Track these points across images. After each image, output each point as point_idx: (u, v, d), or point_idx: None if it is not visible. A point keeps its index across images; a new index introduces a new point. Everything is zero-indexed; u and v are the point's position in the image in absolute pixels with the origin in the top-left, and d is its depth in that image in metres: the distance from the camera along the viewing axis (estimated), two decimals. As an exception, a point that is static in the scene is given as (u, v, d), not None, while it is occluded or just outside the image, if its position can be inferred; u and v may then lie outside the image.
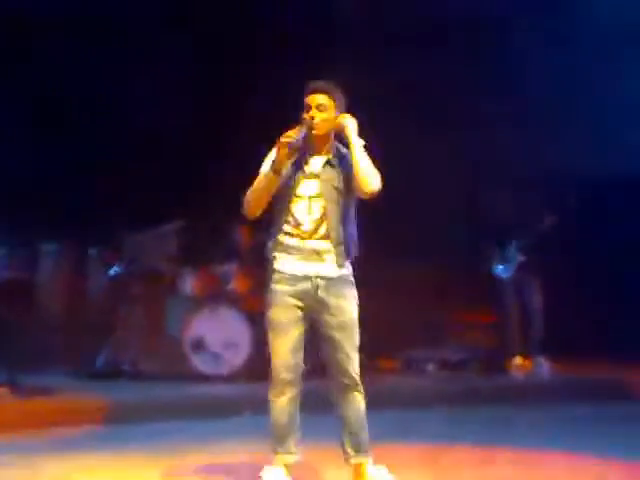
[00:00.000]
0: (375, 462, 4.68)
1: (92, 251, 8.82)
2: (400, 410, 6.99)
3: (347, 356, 4.56)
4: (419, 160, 8.63)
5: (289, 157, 4.44)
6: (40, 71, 8.94)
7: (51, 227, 8.78)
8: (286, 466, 4.61)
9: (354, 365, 4.58)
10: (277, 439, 4.59)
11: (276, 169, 4.43)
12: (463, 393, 7.68)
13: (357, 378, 4.60)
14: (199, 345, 7.94)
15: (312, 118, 4.48)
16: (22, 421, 6.43)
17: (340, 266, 4.52)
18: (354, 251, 4.60)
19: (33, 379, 7.32)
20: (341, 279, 4.54)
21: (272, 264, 4.56)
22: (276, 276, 4.54)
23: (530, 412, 7.06)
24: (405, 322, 8.95)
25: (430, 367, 8.58)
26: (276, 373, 4.56)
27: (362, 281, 8.66)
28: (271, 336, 4.56)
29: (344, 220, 4.53)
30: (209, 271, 8.34)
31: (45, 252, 8.98)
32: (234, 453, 5.59)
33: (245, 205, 4.54)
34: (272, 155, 4.50)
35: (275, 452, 4.60)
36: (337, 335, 4.54)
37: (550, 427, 6.53)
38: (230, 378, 7.82)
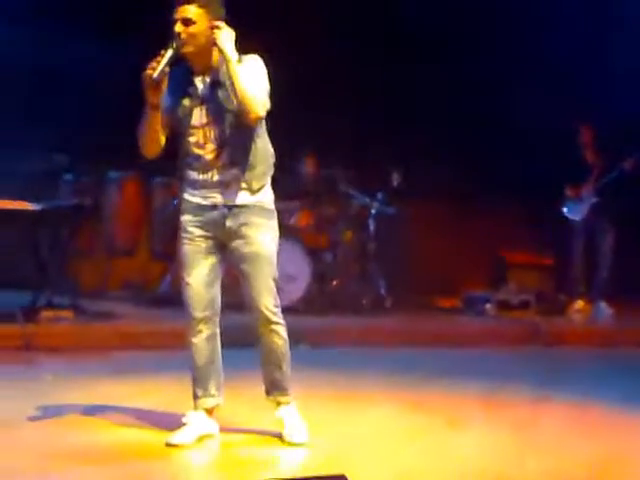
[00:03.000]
0: (434, 399, 4.54)
1: (158, 180, 8.81)
2: (459, 349, 6.94)
3: (257, 290, 4.13)
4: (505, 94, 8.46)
5: (159, 89, 3.94)
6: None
7: (118, 155, 8.78)
8: (207, 410, 4.27)
9: (267, 300, 4.14)
10: (197, 381, 4.24)
11: (151, 104, 3.96)
12: (521, 334, 7.58)
13: (268, 314, 4.15)
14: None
15: (178, 34, 3.97)
16: (84, 344, 6.51)
17: (251, 192, 4.11)
18: (264, 178, 4.17)
19: (96, 304, 7.39)
20: (252, 207, 4.13)
21: (180, 195, 4.22)
22: (183, 206, 4.18)
23: (588, 356, 6.94)
24: (466, 263, 8.85)
25: (490, 307, 8.47)
26: (190, 310, 4.17)
27: (426, 219, 8.70)
28: (181, 271, 4.18)
29: (246, 143, 4.09)
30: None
31: (111, 179, 8.99)
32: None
33: (140, 146, 4.11)
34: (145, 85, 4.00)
35: (196, 396, 4.25)
36: (246, 267, 4.14)
37: (607, 372, 6.38)
38: (288, 310, 7.78)
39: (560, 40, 8.71)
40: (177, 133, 4.17)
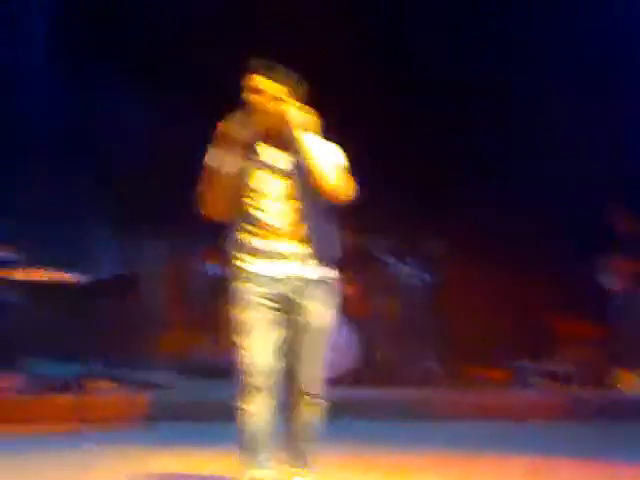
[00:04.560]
0: (481, 474, 4.48)
1: (195, 249, 8.90)
2: (507, 422, 6.89)
3: (311, 363, 4.12)
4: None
5: (242, 150, 4.00)
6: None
7: (158, 225, 8.91)
8: None
9: (312, 375, 4.13)
10: (248, 452, 4.08)
11: (231, 166, 4.01)
12: (569, 407, 7.49)
13: (314, 391, 4.14)
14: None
15: (249, 102, 4.04)
16: (130, 414, 6.53)
17: (313, 268, 4.10)
18: (333, 253, 4.17)
19: (140, 374, 7.43)
20: (316, 282, 4.10)
21: (235, 263, 4.12)
22: (243, 275, 4.09)
23: (636, 429, 6.84)
24: (515, 333, 8.80)
25: (537, 379, 8.40)
26: (247, 378, 4.04)
27: (471, 287, 8.68)
28: (237, 339, 4.07)
29: (312, 219, 4.08)
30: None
31: (151, 249, 9.11)
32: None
33: (204, 208, 4.08)
34: (217, 150, 4.03)
35: (245, 466, 4.09)
36: (305, 339, 4.10)
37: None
38: (335, 382, 7.76)
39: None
40: (237, 198, 4.13)
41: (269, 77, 4.09)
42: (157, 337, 8.63)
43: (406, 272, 8.42)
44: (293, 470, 4.26)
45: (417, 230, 8.63)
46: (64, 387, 6.79)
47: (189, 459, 5.34)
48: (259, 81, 4.08)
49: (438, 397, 7.67)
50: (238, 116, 4.04)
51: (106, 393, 6.90)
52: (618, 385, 8.22)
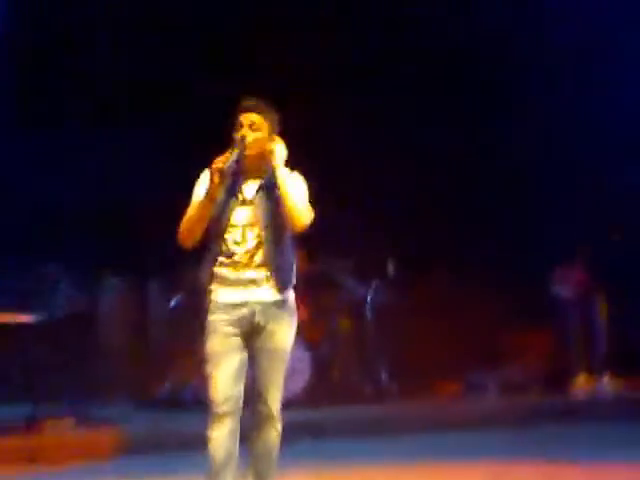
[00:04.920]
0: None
1: (153, 283, 8.88)
2: (463, 432, 6.92)
3: (270, 385, 4.25)
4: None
5: (222, 183, 4.20)
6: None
7: (113, 260, 8.87)
8: None
9: (275, 396, 4.26)
10: (214, 475, 4.19)
11: (210, 197, 4.19)
12: (525, 413, 7.57)
13: (274, 411, 4.26)
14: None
15: (244, 137, 4.27)
16: (86, 451, 6.47)
17: (280, 290, 4.28)
18: (292, 278, 4.36)
19: (97, 410, 7.37)
20: (279, 304, 4.28)
21: (208, 296, 4.31)
22: (212, 306, 4.28)
23: (594, 431, 6.92)
24: (466, 346, 8.87)
25: (491, 389, 8.47)
26: (214, 405, 4.18)
27: (422, 303, 8.76)
28: (209, 368, 4.22)
29: (281, 246, 4.31)
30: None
31: (107, 285, 9.06)
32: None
33: (180, 235, 4.29)
34: (203, 180, 4.28)
35: None
36: (265, 362, 4.25)
37: (614, 446, 6.36)
38: (289, 404, 7.77)
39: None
40: (209, 231, 4.31)
41: (262, 114, 4.33)
42: (114, 372, 8.56)
43: (361, 292, 8.46)
44: None
45: (370, 251, 8.69)
46: (18, 428, 6.70)
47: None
48: (255, 118, 4.31)
49: (394, 412, 7.71)
50: (231, 152, 4.21)
51: (62, 431, 6.81)
52: (571, 389, 8.31)
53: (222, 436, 4.19)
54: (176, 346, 8.34)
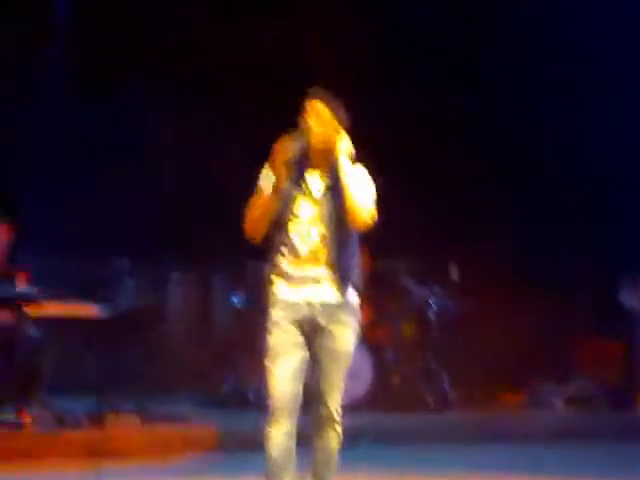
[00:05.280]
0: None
1: (217, 278, 8.89)
2: (527, 444, 6.79)
3: (330, 386, 4.17)
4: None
5: (288, 174, 4.11)
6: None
7: (176, 256, 8.91)
8: None
9: (335, 398, 4.18)
10: (272, 474, 4.15)
11: (276, 189, 4.11)
12: (590, 429, 7.40)
13: (335, 413, 4.18)
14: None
15: (310, 127, 4.16)
16: (149, 447, 6.49)
17: (340, 292, 4.18)
18: (356, 279, 4.26)
19: (161, 406, 7.39)
20: (342, 305, 4.18)
21: (269, 288, 4.23)
22: (274, 300, 4.21)
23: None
24: (531, 354, 8.72)
25: (557, 402, 8.31)
26: (273, 402, 4.10)
27: (488, 311, 8.62)
28: (268, 363, 4.15)
29: (344, 245, 4.19)
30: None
31: (171, 280, 9.11)
32: None
33: (246, 228, 4.20)
34: (267, 171, 4.17)
35: None
36: (327, 363, 4.16)
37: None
38: (351, 408, 7.72)
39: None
40: (274, 225, 4.22)
41: (329, 105, 4.23)
42: (179, 369, 8.59)
43: (425, 297, 8.36)
44: None
45: (436, 256, 8.59)
46: (83, 422, 6.76)
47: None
48: (321, 108, 4.21)
49: (455, 421, 7.60)
50: (293, 138, 4.14)
51: (126, 426, 6.84)
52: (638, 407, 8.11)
53: (279, 434, 4.13)
54: (240, 342, 8.34)
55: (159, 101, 8.98)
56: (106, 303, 7.15)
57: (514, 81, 9.35)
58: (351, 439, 6.65)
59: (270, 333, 4.20)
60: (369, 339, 7.97)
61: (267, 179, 4.17)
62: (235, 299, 8.32)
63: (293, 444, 4.18)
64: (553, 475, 5.67)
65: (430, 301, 8.34)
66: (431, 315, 8.33)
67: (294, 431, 4.17)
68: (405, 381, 8.15)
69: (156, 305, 8.64)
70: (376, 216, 4.22)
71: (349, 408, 7.51)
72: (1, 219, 7.18)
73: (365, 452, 6.53)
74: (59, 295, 7.06)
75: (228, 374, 8.17)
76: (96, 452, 6.22)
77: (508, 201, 9.10)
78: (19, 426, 6.36)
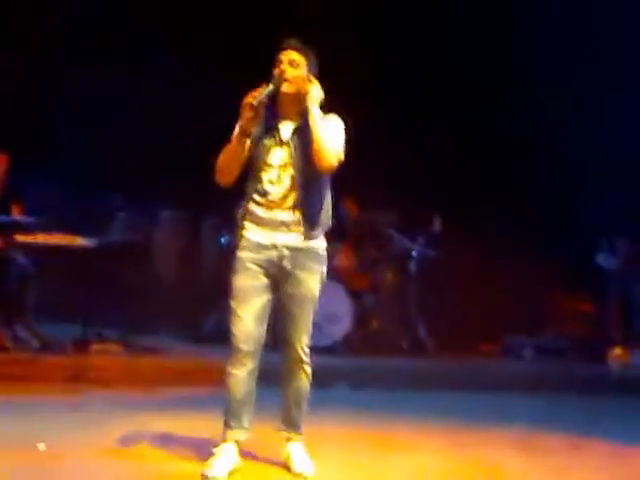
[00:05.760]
0: (471, 444, 4.44)
1: (207, 219, 8.85)
2: (497, 393, 6.83)
3: (296, 329, 4.22)
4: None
5: (255, 117, 4.08)
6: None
7: (169, 194, 8.85)
8: (237, 442, 4.25)
9: (302, 340, 4.23)
10: (232, 413, 4.22)
11: (243, 131, 4.09)
12: (559, 380, 7.44)
13: (303, 355, 4.24)
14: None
15: (282, 72, 4.15)
16: (131, 378, 6.51)
17: (308, 237, 4.20)
18: (325, 222, 4.29)
19: (144, 339, 7.40)
20: (308, 251, 4.21)
21: (240, 232, 4.25)
22: (243, 243, 4.21)
23: (626, 403, 6.78)
24: (506, 308, 8.74)
25: (528, 353, 8.35)
26: (237, 343, 4.15)
27: (467, 264, 8.62)
28: (233, 304, 4.17)
29: (314, 190, 4.21)
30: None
31: (162, 218, 9.06)
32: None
33: (217, 172, 4.20)
34: (242, 110, 4.15)
35: (228, 427, 4.23)
36: (293, 308, 4.21)
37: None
38: (329, 350, 7.76)
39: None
40: (248, 169, 4.24)
41: (302, 54, 4.24)
42: (164, 304, 8.57)
43: (407, 246, 8.35)
44: (286, 435, 4.39)
45: (420, 207, 8.56)
46: (65, 348, 6.76)
47: (186, 421, 5.30)
48: (295, 56, 4.22)
49: (429, 367, 7.64)
50: (264, 87, 4.13)
51: (109, 355, 6.85)
52: (610, 360, 8.15)
53: (242, 375, 4.20)
54: (225, 282, 8.30)
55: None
56: (96, 235, 7.12)
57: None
58: (329, 381, 6.77)
59: (237, 275, 4.21)
60: (350, 285, 8.00)
61: (239, 122, 4.17)
62: (224, 240, 8.29)
63: (254, 383, 4.26)
64: (520, 426, 5.68)
65: (412, 251, 8.33)
66: (412, 264, 8.33)
67: (256, 371, 4.24)
68: (383, 326, 8.17)
69: (145, 240, 8.57)
70: (342, 159, 4.21)
71: (328, 350, 7.71)
72: (-1, 149, 7.18)
73: (341, 394, 6.58)
74: (51, 226, 7.03)
75: (211, 312, 8.16)
76: (78, 378, 6.24)
77: (491, 161, 9.05)
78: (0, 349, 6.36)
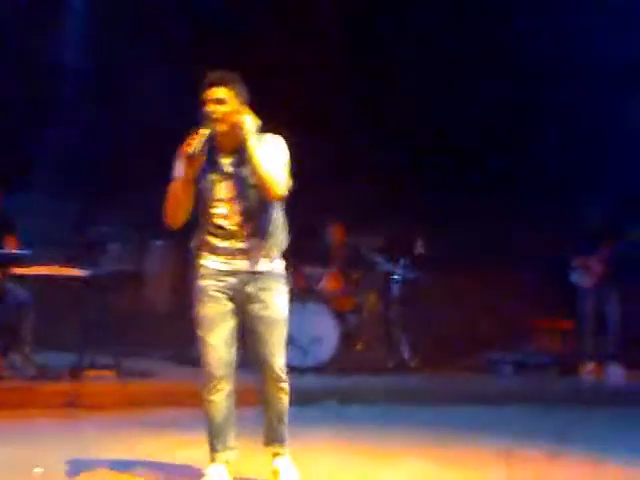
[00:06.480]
0: (457, 455, 4.40)
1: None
2: (480, 407, 6.84)
3: (270, 351, 4.16)
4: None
5: (195, 164, 4.00)
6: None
7: (158, 225, 8.84)
8: (227, 462, 4.25)
9: (277, 361, 4.19)
10: (216, 437, 4.21)
11: (187, 180, 4.02)
12: (537, 393, 7.44)
13: (281, 374, 4.21)
14: (288, 339, 7.83)
15: (211, 113, 4.03)
16: (126, 401, 6.48)
17: (269, 260, 4.16)
18: (282, 243, 4.24)
19: (137, 364, 7.37)
20: (270, 274, 4.17)
21: (198, 261, 4.18)
22: (203, 272, 4.15)
23: (600, 415, 6.78)
24: (487, 325, 8.74)
25: (508, 368, 8.36)
26: (210, 370, 4.14)
27: (448, 283, 8.63)
28: (201, 333, 4.14)
29: (267, 216, 4.14)
30: (299, 270, 8.24)
31: (153, 247, 9.06)
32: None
33: (166, 216, 4.10)
34: (181, 160, 4.09)
35: (215, 450, 4.23)
36: (262, 329, 4.15)
37: (620, 430, 6.22)
38: (316, 370, 7.74)
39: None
40: (196, 202, 4.17)
41: (228, 87, 4.11)
42: (156, 330, 8.54)
43: (389, 270, 8.37)
44: (273, 451, 4.38)
45: (404, 232, 8.58)
46: (61, 375, 6.74)
47: (179, 441, 5.28)
48: (220, 93, 4.10)
49: (414, 384, 7.62)
50: (198, 134, 4.02)
51: (103, 380, 6.81)
52: (584, 374, 8.15)
53: (220, 400, 4.19)
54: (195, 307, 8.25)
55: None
56: (90, 266, 7.11)
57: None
58: (318, 398, 6.75)
59: (201, 304, 4.17)
60: (335, 307, 8.01)
61: (180, 169, 4.10)
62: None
63: (233, 405, 4.25)
64: (502, 436, 5.68)
65: (394, 274, 8.36)
66: (394, 287, 8.36)
67: (232, 392, 4.23)
68: (367, 346, 8.18)
69: (137, 269, 8.56)
70: (289, 185, 4.13)
71: (316, 370, 7.68)
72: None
73: (329, 410, 6.58)
74: (45, 257, 7.02)
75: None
76: (73, 403, 6.21)
77: (470, 182, 9.08)
78: (-1, 377, 6.34)
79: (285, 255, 4.31)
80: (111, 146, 8.66)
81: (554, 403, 7.10)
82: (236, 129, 4.09)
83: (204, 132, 4.00)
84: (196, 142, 3.97)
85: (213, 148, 4.15)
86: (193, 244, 4.24)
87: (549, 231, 8.70)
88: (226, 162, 4.17)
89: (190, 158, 3.98)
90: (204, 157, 4.07)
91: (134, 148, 8.57)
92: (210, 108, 4.07)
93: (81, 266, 7.05)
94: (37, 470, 4.50)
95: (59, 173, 8.73)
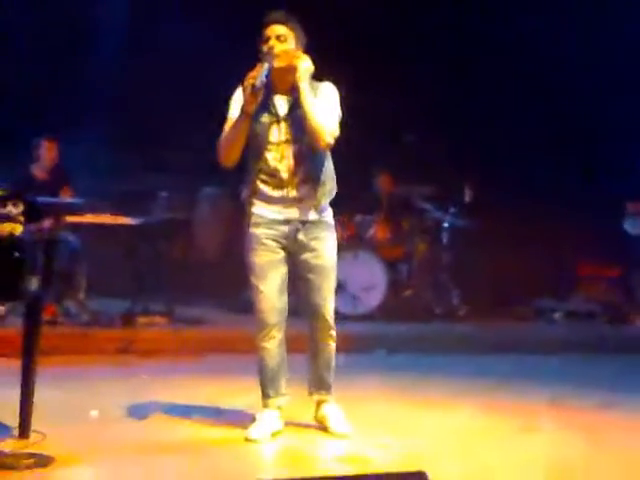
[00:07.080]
0: (506, 404, 4.43)
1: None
2: (529, 355, 6.74)
3: (322, 299, 4.17)
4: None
5: (256, 98, 3.95)
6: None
7: (211, 173, 8.82)
8: (279, 408, 4.27)
9: (328, 308, 4.20)
10: (269, 383, 4.24)
11: (246, 112, 3.97)
12: (589, 342, 7.33)
13: (330, 322, 4.22)
14: (339, 287, 7.80)
15: (272, 48, 4.00)
16: (177, 347, 6.51)
17: (319, 209, 4.14)
18: (332, 192, 4.20)
19: (188, 310, 7.40)
20: (320, 222, 4.16)
21: (250, 209, 4.14)
22: (254, 220, 4.12)
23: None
24: (536, 273, 8.61)
25: (558, 316, 8.26)
26: (264, 317, 4.15)
27: (497, 232, 8.52)
28: (254, 280, 4.14)
29: (319, 162, 4.10)
30: (350, 220, 8.18)
31: (204, 195, 9.06)
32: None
33: (219, 153, 4.08)
34: (237, 98, 4.07)
35: (267, 396, 4.25)
36: (313, 277, 4.16)
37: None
38: (365, 317, 7.71)
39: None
40: (248, 147, 4.13)
41: (288, 26, 4.09)
42: (207, 277, 8.56)
43: (439, 218, 8.27)
44: (320, 398, 4.38)
45: (453, 180, 8.45)
46: (114, 322, 6.79)
47: (230, 387, 5.29)
48: (281, 30, 4.07)
49: (462, 332, 7.56)
50: (261, 66, 4.00)
51: (155, 327, 6.87)
52: (634, 323, 8.02)
53: (273, 347, 4.21)
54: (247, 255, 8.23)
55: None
56: (142, 214, 7.14)
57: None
58: (368, 346, 6.74)
59: (253, 251, 4.15)
60: (385, 255, 7.95)
61: (236, 106, 4.08)
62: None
63: (285, 352, 4.27)
64: (553, 383, 5.61)
65: (443, 222, 8.27)
66: (443, 235, 8.28)
67: (284, 339, 4.25)
68: (416, 294, 8.12)
69: (187, 217, 8.57)
70: (337, 134, 4.07)
71: (365, 317, 7.67)
72: (49, 137, 7.25)
73: (379, 358, 6.54)
74: (99, 207, 7.05)
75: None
76: (126, 349, 6.27)
77: (519, 129, 8.88)
78: (52, 322, 6.38)
79: (335, 203, 4.29)
80: (160, 96, 8.58)
81: (604, 352, 7.00)
82: (292, 70, 4.05)
83: (264, 66, 3.97)
84: (259, 74, 3.94)
85: (268, 90, 4.10)
86: (245, 193, 4.20)
87: (602, 179, 8.53)
88: (279, 104, 4.13)
89: (253, 90, 3.95)
90: (262, 94, 4.02)
91: (183, 98, 8.51)
92: (270, 43, 4.05)
93: (133, 214, 7.07)
94: (93, 413, 4.55)
95: (111, 124, 8.70)
